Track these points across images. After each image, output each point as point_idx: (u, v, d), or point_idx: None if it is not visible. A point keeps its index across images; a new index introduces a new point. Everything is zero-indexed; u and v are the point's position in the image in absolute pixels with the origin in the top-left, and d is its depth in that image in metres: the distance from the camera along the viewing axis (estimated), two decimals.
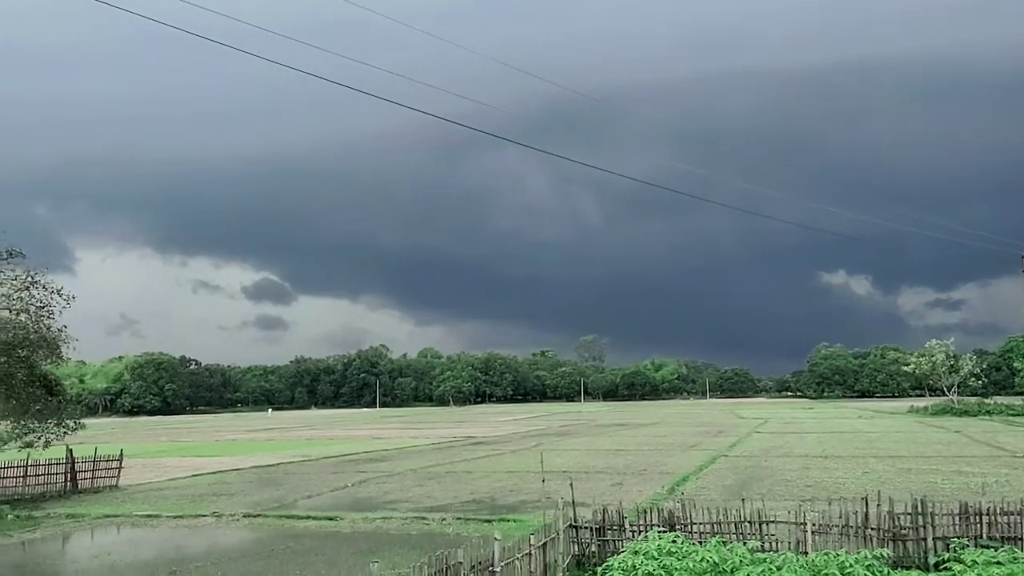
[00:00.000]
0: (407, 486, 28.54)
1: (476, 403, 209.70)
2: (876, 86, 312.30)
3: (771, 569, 10.41)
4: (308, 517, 21.79)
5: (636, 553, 11.16)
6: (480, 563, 10.66)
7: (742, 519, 14.30)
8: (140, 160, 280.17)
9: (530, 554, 12.19)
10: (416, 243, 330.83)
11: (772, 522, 14.17)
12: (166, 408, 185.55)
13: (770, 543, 13.81)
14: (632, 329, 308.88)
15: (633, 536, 14.09)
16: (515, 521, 19.83)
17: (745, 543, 12.12)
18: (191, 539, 20.05)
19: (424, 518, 21.23)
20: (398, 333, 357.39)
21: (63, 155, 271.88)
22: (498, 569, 10.94)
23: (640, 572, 10.54)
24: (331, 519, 21.45)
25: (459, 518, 21.01)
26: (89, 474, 29.41)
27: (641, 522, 14.61)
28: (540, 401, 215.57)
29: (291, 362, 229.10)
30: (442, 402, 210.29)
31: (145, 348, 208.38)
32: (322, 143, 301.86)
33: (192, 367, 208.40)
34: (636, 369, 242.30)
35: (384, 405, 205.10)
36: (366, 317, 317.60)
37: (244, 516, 22.31)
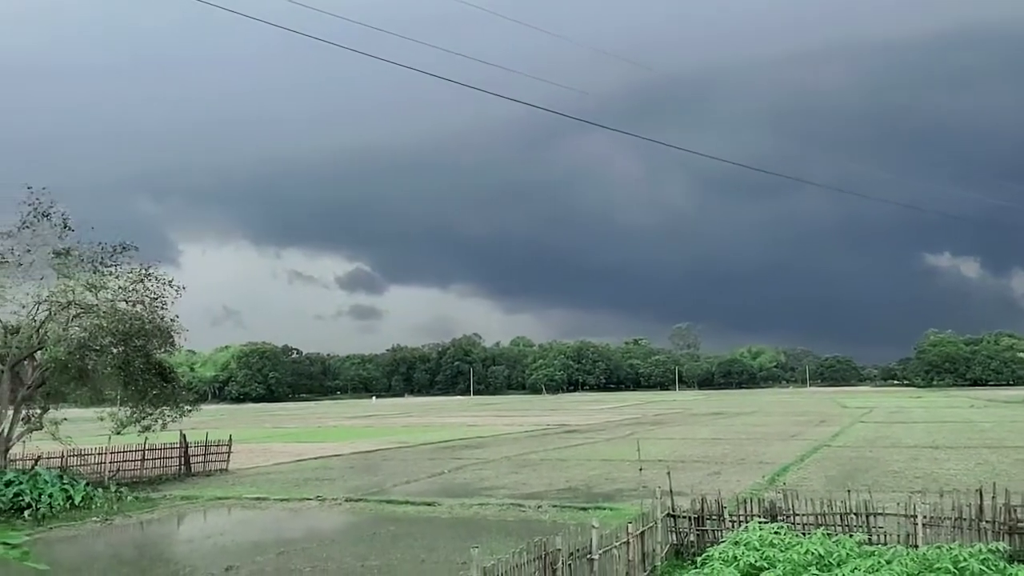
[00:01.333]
0: (502, 473, 28.80)
1: (568, 391, 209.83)
2: (983, 54, 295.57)
3: (880, 563, 10.04)
4: (407, 502, 22.25)
5: (737, 544, 10.95)
6: (578, 550, 10.67)
7: (848, 511, 13.84)
8: (237, 155, 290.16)
9: (628, 542, 12.13)
10: (504, 231, 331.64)
11: (880, 514, 13.67)
12: (270, 395, 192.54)
13: (878, 536, 13.32)
14: (727, 316, 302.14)
15: (733, 527, 13.81)
16: (611, 510, 19.77)
17: (851, 535, 11.73)
18: (297, 521, 20.77)
19: (520, 505, 21.38)
20: (488, 322, 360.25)
21: (166, 152, 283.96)
22: (596, 557, 10.93)
23: (741, 563, 10.33)
24: (429, 504, 21.85)
25: (555, 505, 21.08)
26: (201, 458, 30.83)
27: (741, 512, 14.32)
28: (633, 390, 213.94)
29: (387, 351, 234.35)
30: (535, 390, 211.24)
31: (246, 338, 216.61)
32: (411, 133, 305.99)
33: (294, 356, 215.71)
34: (732, 357, 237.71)
35: (477, 393, 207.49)
36: (456, 306, 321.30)
37: (346, 500, 22.95)
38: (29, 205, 24.86)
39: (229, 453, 31.80)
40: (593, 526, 11.25)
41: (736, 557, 10.46)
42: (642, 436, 44.14)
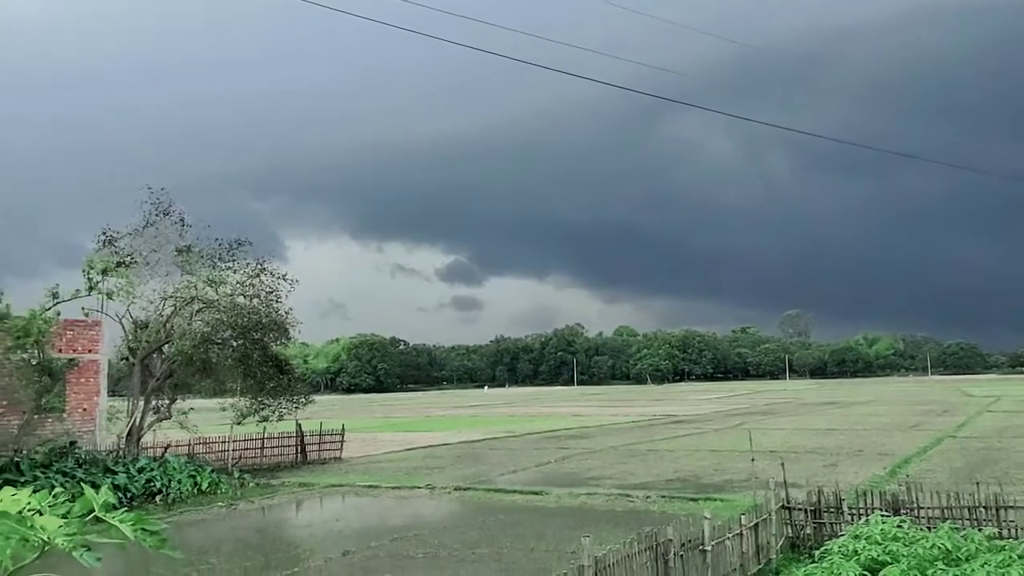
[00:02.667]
0: (609, 463, 28.67)
1: (674, 381, 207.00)
2: None
3: (1012, 558, 9.46)
4: (515, 491, 22.43)
5: (857, 537, 10.53)
6: (690, 541, 10.51)
7: (976, 504, 13.12)
8: (333, 150, 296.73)
9: (741, 534, 11.87)
10: (599, 217, 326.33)
11: (1011, 507, 12.91)
12: (379, 386, 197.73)
13: (1009, 530, 12.59)
14: (838, 301, 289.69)
15: (852, 519, 13.31)
16: (722, 501, 19.39)
17: (980, 529, 11.12)
18: (408, 509, 21.26)
19: (628, 495, 21.23)
20: (587, 312, 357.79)
21: (268, 149, 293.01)
22: (709, 548, 10.74)
23: (863, 557, 9.93)
24: (537, 494, 21.96)
25: (663, 496, 20.84)
26: (316, 447, 31.95)
27: (861, 505, 13.79)
28: (742, 379, 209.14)
29: (491, 341, 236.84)
30: (639, 380, 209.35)
31: (352, 331, 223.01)
32: (501, 120, 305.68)
33: (401, 347, 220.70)
34: (846, 345, 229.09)
35: (581, 383, 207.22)
36: (554, 296, 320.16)
37: (455, 489, 23.33)
38: (150, 204, 26.23)
39: (342, 442, 32.81)
40: (705, 517, 11.06)
41: (857, 551, 10.07)
42: (752, 426, 43.08)
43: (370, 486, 24.59)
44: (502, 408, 79.89)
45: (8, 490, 3.33)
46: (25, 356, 21.87)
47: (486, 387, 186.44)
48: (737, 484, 22.11)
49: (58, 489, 3.62)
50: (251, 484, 25.01)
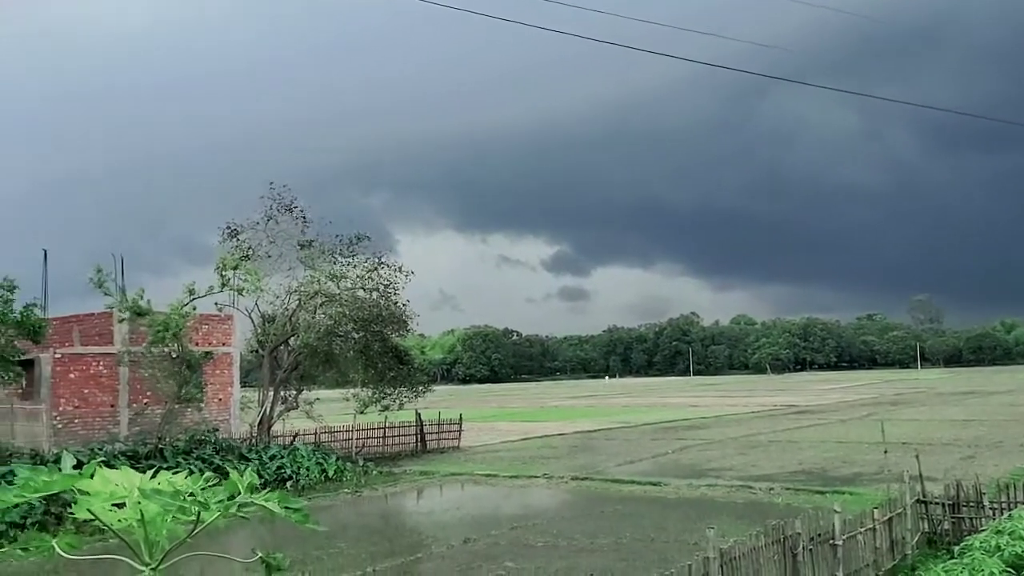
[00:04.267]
0: (729, 454, 28.06)
1: (795, 371, 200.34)
2: None
3: None
4: (632, 482, 22.26)
5: (999, 532, 9.93)
6: (820, 535, 10.16)
7: None
8: (431, 143, 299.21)
9: (874, 529, 11.39)
10: (707, 202, 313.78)
11: None
12: (493, 376, 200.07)
13: None
14: (971, 285, 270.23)
15: (993, 514, 12.56)
16: (851, 494, 18.64)
17: None
18: (526, 498, 21.45)
19: (750, 487, 20.73)
20: (698, 300, 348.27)
21: (368, 143, 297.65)
22: (840, 542, 10.35)
23: (1007, 553, 9.36)
24: (655, 484, 21.72)
25: (788, 488, 20.23)
26: (435, 436, 32.65)
27: (1003, 499, 12.99)
28: (868, 368, 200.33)
29: (603, 332, 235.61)
30: (758, 370, 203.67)
31: (463, 322, 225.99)
32: (600, 105, 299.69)
33: (514, 338, 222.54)
34: (982, 331, 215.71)
35: (697, 373, 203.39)
36: (663, 285, 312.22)
37: (572, 479, 23.36)
38: (272, 200, 27.26)
39: (460, 431, 33.39)
40: (835, 510, 10.66)
41: (1000, 547, 9.50)
42: (882, 417, 41.25)
43: (488, 475, 24.92)
44: (617, 398, 79.41)
45: (164, 473, 3.57)
46: (166, 349, 23.24)
47: (607, 377, 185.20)
48: (867, 477, 21.23)
49: (208, 473, 3.85)
50: (374, 472, 25.78)
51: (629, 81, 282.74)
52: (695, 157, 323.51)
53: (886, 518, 11.82)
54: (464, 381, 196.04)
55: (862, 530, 11.07)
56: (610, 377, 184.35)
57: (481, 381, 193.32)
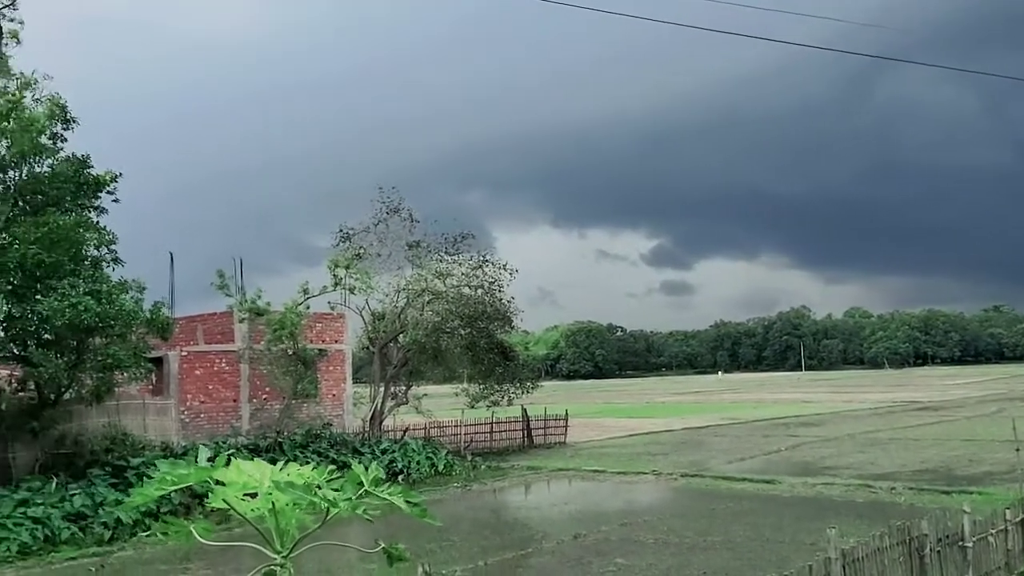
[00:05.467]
0: (846, 452, 27.05)
1: (915, 365, 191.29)
2: None
3: None
4: (744, 479, 21.76)
5: None
6: (947, 536, 9.68)
7: None
8: (524, 138, 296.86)
9: (1006, 530, 10.77)
10: (814, 190, 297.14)
11: None
12: (597, 372, 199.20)
13: None
14: None
15: None
16: (980, 494, 17.67)
17: None
18: (634, 494, 21.28)
19: (869, 486, 19.93)
20: (808, 293, 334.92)
21: (464, 139, 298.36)
22: (970, 544, 9.83)
23: None
24: (768, 482, 21.16)
25: (910, 488, 19.35)
26: (541, 431, 32.78)
27: None
28: (996, 363, 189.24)
29: (711, 326, 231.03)
30: (874, 364, 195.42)
31: (564, 318, 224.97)
32: (697, 94, 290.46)
33: (618, 334, 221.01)
34: None
35: (810, 368, 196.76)
36: (769, 278, 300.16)
37: (681, 475, 23.02)
38: (381, 203, 28.08)
39: (566, 427, 33.41)
40: (964, 511, 10.13)
41: None
42: (1015, 414, 38.93)
43: (596, 471, 24.84)
44: (726, 394, 77.78)
45: (292, 466, 3.72)
46: (283, 347, 24.17)
47: (719, 373, 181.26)
48: (997, 476, 20.08)
49: (331, 467, 3.99)
50: (482, 466, 26.09)
51: (731, 67, 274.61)
52: (801, 143, 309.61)
53: (1019, 519, 11.16)
54: (568, 377, 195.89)
55: (993, 531, 10.48)
56: (723, 372, 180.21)
57: (585, 377, 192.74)
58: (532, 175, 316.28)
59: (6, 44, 20.90)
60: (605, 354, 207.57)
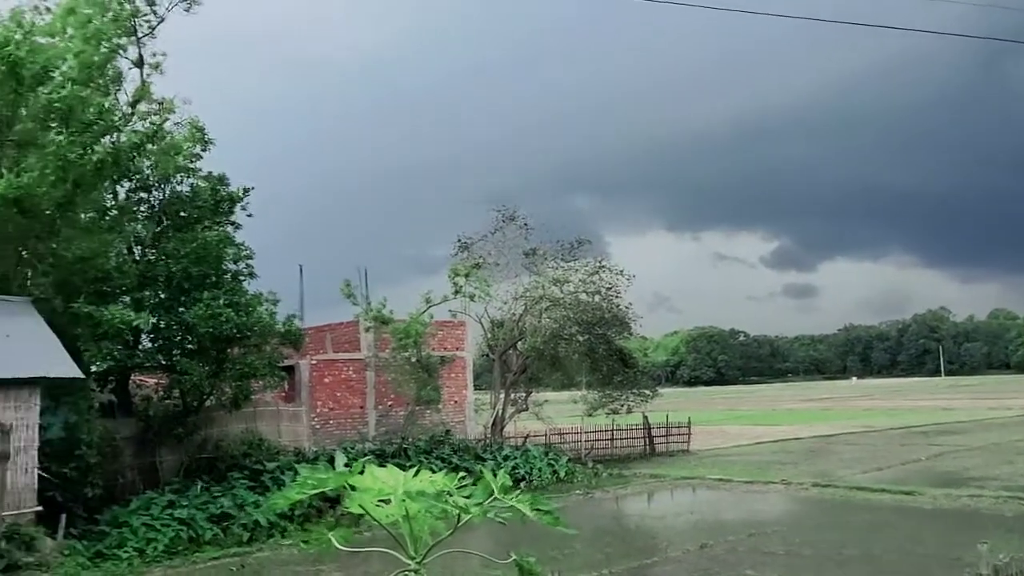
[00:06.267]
0: (993, 462, 25.38)
1: None
2: None
3: None
4: (881, 490, 20.73)
5: None
6: None
7: None
8: (635, 141, 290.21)
9: None
10: (947, 185, 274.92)
11: None
12: (720, 379, 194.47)
13: None
14: None
15: None
16: None
17: None
18: (762, 504, 20.61)
19: (1020, 498, 18.60)
20: (942, 294, 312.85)
21: (573, 144, 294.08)
22: None
23: None
24: (907, 494, 20.07)
25: None
26: (663, 439, 32.27)
27: None
28: None
29: (839, 330, 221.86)
30: (1021, 369, 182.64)
31: (682, 323, 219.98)
32: (816, 88, 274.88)
33: (741, 339, 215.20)
34: None
35: (950, 373, 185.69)
36: (898, 278, 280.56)
37: (812, 485, 22.14)
38: (497, 212, 28.50)
39: (689, 435, 32.78)
40: None
41: None
42: None
43: (721, 479, 24.23)
44: (858, 400, 74.45)
45: (425, 472, 3.79)
46: (407, 355, 24.79)
47: (853, 378, 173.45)
48: None
49: (461, 473, 4.04)
50: (604, 474, 25.90)
51: (849, 61, 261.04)
52: (927, 136, 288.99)
53: None
54: (689, 383, 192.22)
55: None
56: (857, 378, 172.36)
57: (707, 383, 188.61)
58: (644, 179, 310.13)
59: (148, 75, 22.41)
60: (728, 360, 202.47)
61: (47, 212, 16.95)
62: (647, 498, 22.89)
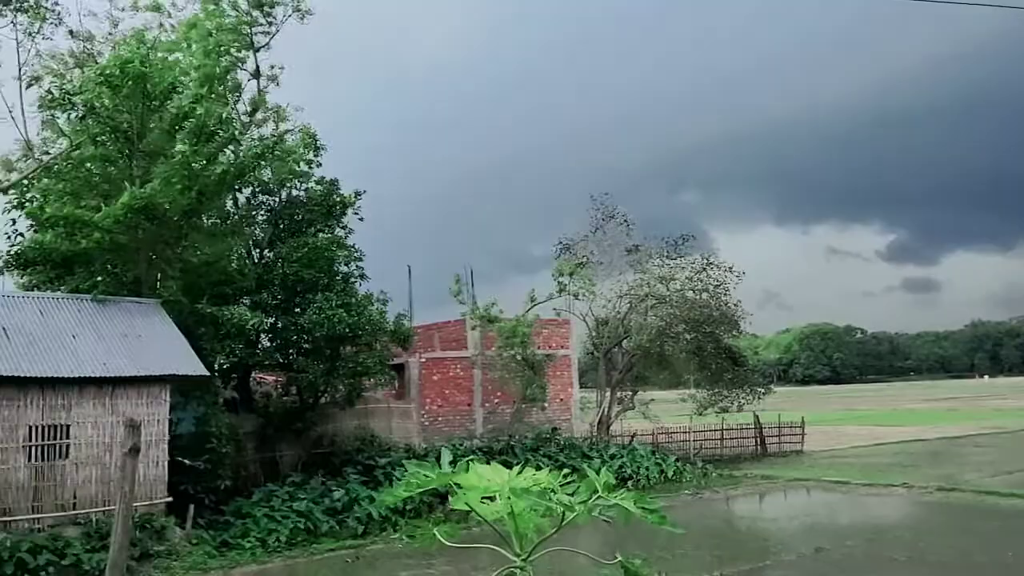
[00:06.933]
0: None
1: None
2: None
3: None
4: (1013, 495, 19.52)
5: None
6: None
7: None
8: (738, 132, 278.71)
9: None
10: None
11: None
12: (835, 377, 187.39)
13: None
14: None
15: None
16: None
17: None
18: (882, 508, 19.79)
19: None
20: None
21: (673, 136, 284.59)
22: None
23: None
24: None
25: None
26: (775, 439, 31.38)
27: None
28: None
29: (965, 326, 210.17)
30: None
31: (792, 320, 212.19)
32: (934, 69, 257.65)
33: (857, 336, 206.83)
34: None
35: None
36: None
37: (937, 489, 21.08)
38: (596, 210, 28.31)
39: (802, 435, 31.77)
40: None
41: None
42: None
43: (838, 482, 23.36)
44: (987, 400, 70.32)
45: (528, 470, 3.84)
46: (512, 353, 25.00)
47: (985, 376, 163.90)
48: None
49: (565, 470, 4.07)
50: (713, 474, 25.42)
51: (968, 38, 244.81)
52: None
53: None
54: (803, 382, 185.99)
55: None
56: (990, 377, 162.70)
57: (821, 382, 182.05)
58: (748, 172, 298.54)
59: (265, 86, 23.44)
60: (844, 358, 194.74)
61: (175, 219, 17.94)
62: (759, 499, 22.33)
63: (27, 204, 18.24)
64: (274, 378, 24.11)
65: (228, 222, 21.17)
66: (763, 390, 29.95)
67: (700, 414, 29.36)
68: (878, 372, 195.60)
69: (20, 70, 22.93)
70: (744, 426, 31.06)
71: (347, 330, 19.48)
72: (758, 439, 31.14)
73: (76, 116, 18.15)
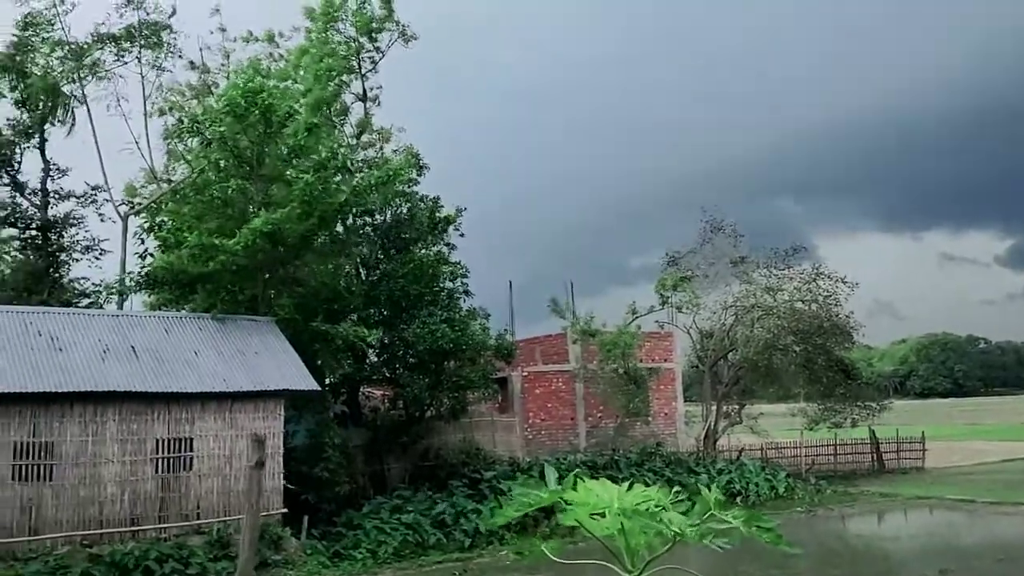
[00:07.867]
0: None
1: None
2: None
3: None
4: None
5: None
6: None
7: None
8: (839, 134, 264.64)
9: None
10: None
11: None
12: (957, 390, 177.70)
13: None
14: None
15: None
16: None
17: None
18: (1012, 528, 18.72)
19: None
20: None
21: (765, 143, 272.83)
22: None
23: None
24: None
25: None
26: (893, 455, 30.04)
27: None
28: None
29: None
30: None
31: (906, 330, 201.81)
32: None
33: (981, 346, 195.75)
34: None
35: None
36: None
37: None
38: (704, 223, 27.83)
39: (923, 450, 30.32)
40: None
41: None
42: None
43: (963, 500, 22.17)
44: None
45: (638, 486, 3.82)
46: (614, 366, 24.85)
47: None
48: None
49: (676, 488, 4.03)
50: (827, 491, 24.52)
51: None
52: None
53: None
54: (922, 395, 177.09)
55: None
56: None
57: (942, 395, 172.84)
58: (850, 175, 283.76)
59: (369, 108, 24.19)
60: (966, 369, 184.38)
61: (291, 242, 18.66)
62: (877, 518, 21.43)
63: (156, 228, 19.36)
64: (382, 392, 24.70)
65: (338, 243, 21.89)
66: (878, 405, 28.69)
67: (811, 429, 28.37)
68: (1004, 384, 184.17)
69: (145, 103, 24.49)
70: (860, 441, 29.85)
71: (450, 345, 19.81)
72: (875, 455, 29.89)
73: (201, 143, 19.16)
